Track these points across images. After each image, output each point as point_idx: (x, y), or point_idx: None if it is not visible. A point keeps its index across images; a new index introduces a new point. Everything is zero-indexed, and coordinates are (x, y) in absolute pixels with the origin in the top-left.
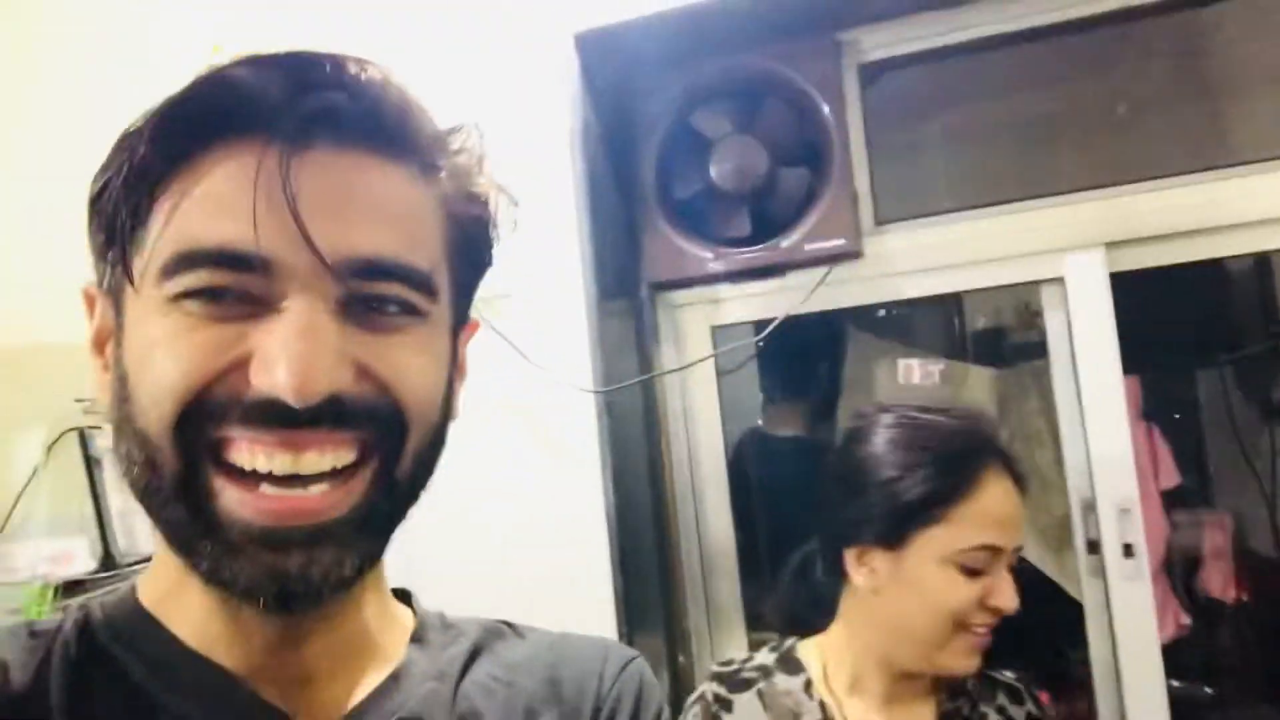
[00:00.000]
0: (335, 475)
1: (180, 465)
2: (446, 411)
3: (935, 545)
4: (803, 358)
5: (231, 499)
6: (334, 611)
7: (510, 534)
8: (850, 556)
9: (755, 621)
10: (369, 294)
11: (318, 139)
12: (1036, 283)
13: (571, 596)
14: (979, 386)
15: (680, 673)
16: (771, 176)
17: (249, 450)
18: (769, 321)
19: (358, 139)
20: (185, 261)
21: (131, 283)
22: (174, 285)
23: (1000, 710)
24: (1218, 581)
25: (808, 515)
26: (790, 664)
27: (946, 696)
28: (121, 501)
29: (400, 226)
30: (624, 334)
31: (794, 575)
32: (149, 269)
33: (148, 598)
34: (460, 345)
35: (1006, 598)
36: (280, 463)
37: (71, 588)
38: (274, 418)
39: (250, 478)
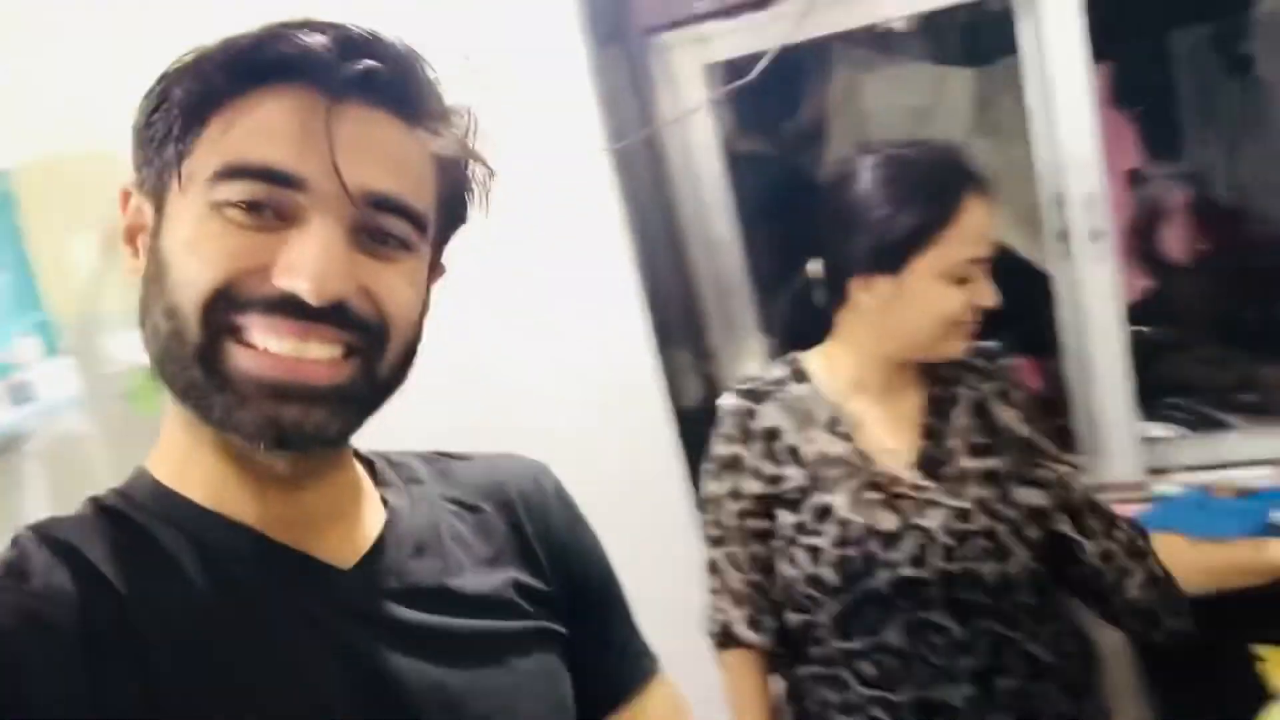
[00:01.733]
0: (328, 362)
1: (203, 337)
2: (418, 334)
3: (930, 265)
4: (794, 83)
5: (243, 359)
6: (327, 464)
7: (542, 291)
8: (856, 284)
9: (767, 333)
10: (376, 225)
11: (353, 95)
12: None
13: (609, 334)
14: (959, 87)
15: (709, 380)
16: None
17: (263, 332)
18: (760, 54)
19: (384, 101)
20: (235, 172)
21: (180, 184)
22: (221, 191)
23: (974, 388)
24: (1176, 244)
25: (807, 236)
26: (800, 375)
27: (930, 382)
28: None
29: (407, 174)
30: (621, 84)
31: (796, 297)
32: (197, 174)
33: (161, 474)
34: (432, 283)
35: (989, 296)
36: (288, 345)
37: None
38: (290, 310)
39: (262, 353)
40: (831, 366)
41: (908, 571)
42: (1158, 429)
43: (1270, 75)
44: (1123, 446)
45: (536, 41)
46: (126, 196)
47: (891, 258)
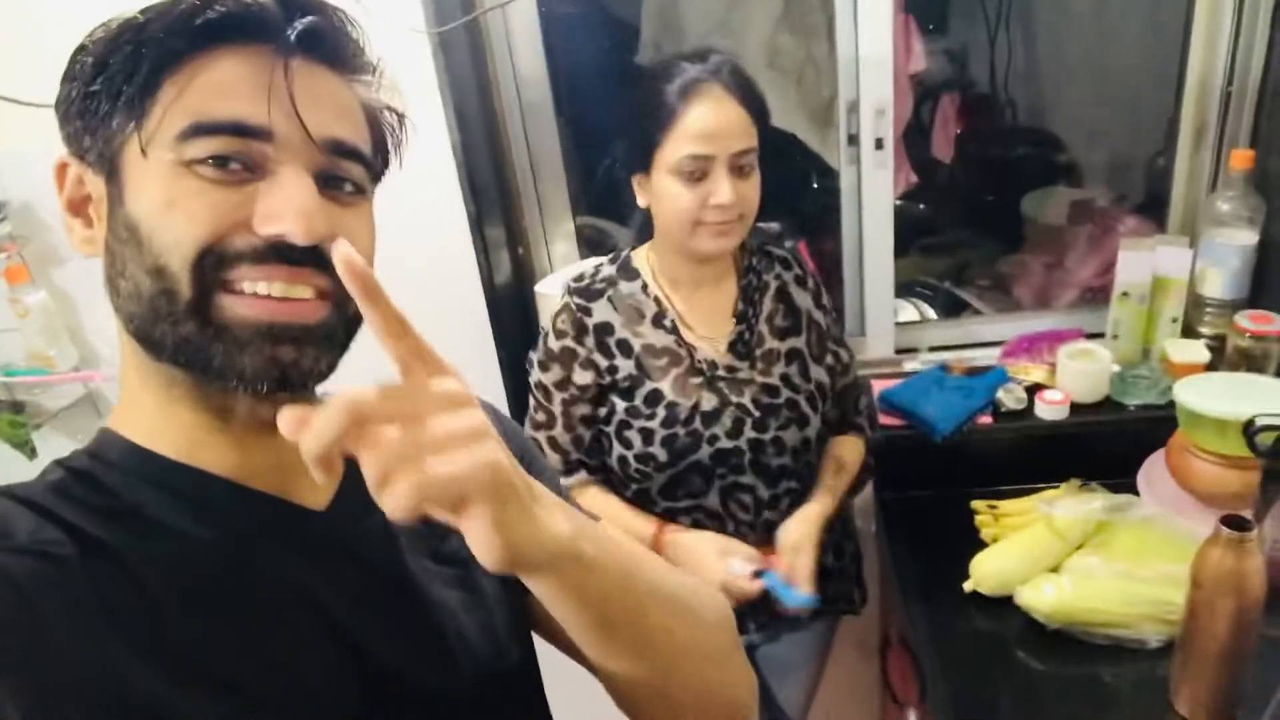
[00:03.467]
0: (312, 302)
1: (195, 291)
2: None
3: (661, 164)
4: None
5: (238, 306)
6: (305, 405)
7: None
8: (635, 184)
9: (578, 213)
10: (336, 170)
11: (299, 52)
12: None
13: (431, 212)
14: None
15: (519, 260)
16: None
17: (253, 277)
18: None
19: (325, 55)
20: (203, 129)
21: (142, 148)
22: (191, 149)
23: (778, 277)
24: (943, 146)
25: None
26: (629, 271)
27: (740, 273)
28: None
29: (354, 122)
30: None
31: (605, 187)
32: (158, 137)
33: (130, 432)
34: None
35: (720, 195)
36: (278, 287)
37: None
38: (278, 255)
39: (252, 297)
40: (652, 263)
41: (725, 444)
42: (908, 311)
43: None
44: (883, 329)
45: None
46: (64, 168)
47: (642, 157)
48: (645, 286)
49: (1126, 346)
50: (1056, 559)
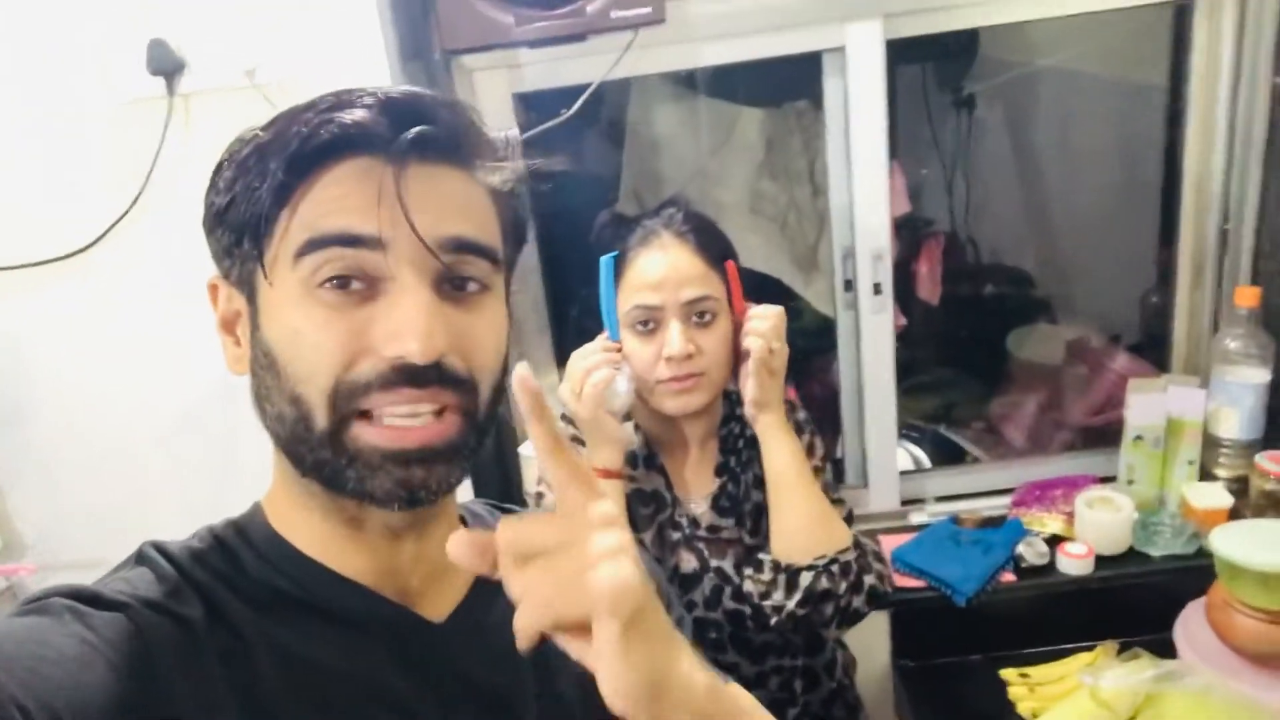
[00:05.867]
0: (436, 416)
1: (331, 423)
2: (506, 364)
3: (621, 320)
4: (600, 119)
5: (369, 436)
6: (437, 514)
7: None
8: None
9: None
10: (457, 270)
11: (413, 157)
12: (819, 52)
13: None
14: (749, 127)
15: (500, 420)
16: None
17: (385, 406)
18: (569, 88)
19: (440, 155)
20: (315, 244)
21: (265, 273)
22: (305, 265)
23: None
24: (928, 288)
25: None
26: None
27: (720, 422)
28: None
29: (474, 216)
30: None
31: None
32: (279, 257)
33: (273, 518)
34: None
35: (671, 346)
36: (404, 411)
37: None
38: (403, 377)
39: (382, 425)
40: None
41: (702, 613)
42: (901, 457)
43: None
44: (887, 479)
45: (333, 56)
46: (215, 289)
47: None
48: (637, 427)
49: (1143, 492)
50: None
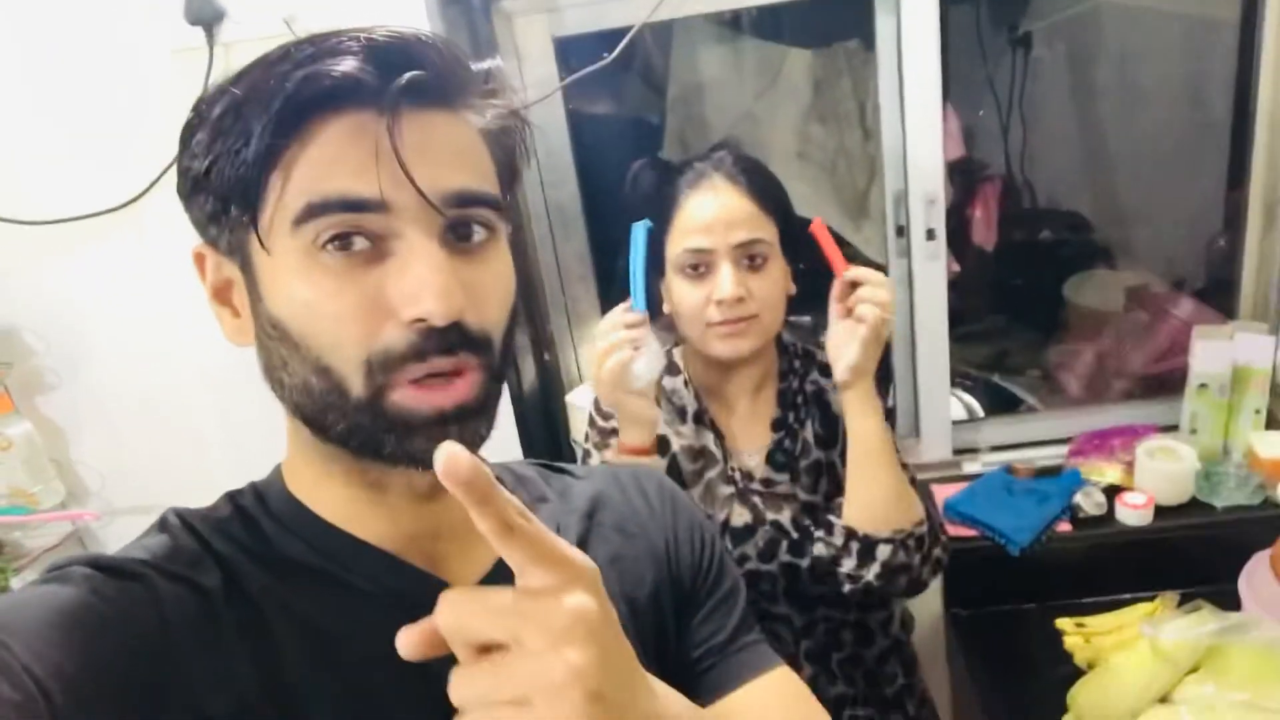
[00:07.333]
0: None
1: (368, 391)
2: (515, 309)
3: (669, 263)
4: (642, 64)
5: (407, 400)
6: None
7: None
8: (661, 289)
9: None
10: (462, 220)
11: (404, 105)
12: None
13: None
14: (796, 69)
15: (546, 366)
16: None
17: (416, 373)
18: (611, 32)
19: (431, 100)
20: (316, 210)
21: (262, 242)
22: (308, 231)
23: (813, 381)
24: (982, 233)
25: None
26: (672, 367)
27: (779, 376)
28: None
29: (471, 163)
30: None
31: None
32: (274, 224)
33: (294, 485)
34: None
35: (721, 289)
36: (438, 373)
37: None
38: (429, 341)
39: (419, 389)
40: (688, 358)
41: (756, 565)
42: (954, 406)
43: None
44: (940, 429)
45: (372, 2)
46: (201, 258)
47: (657, 259)
48: (687, 382)
49: (1206, 442)
50: (1165, 687)
